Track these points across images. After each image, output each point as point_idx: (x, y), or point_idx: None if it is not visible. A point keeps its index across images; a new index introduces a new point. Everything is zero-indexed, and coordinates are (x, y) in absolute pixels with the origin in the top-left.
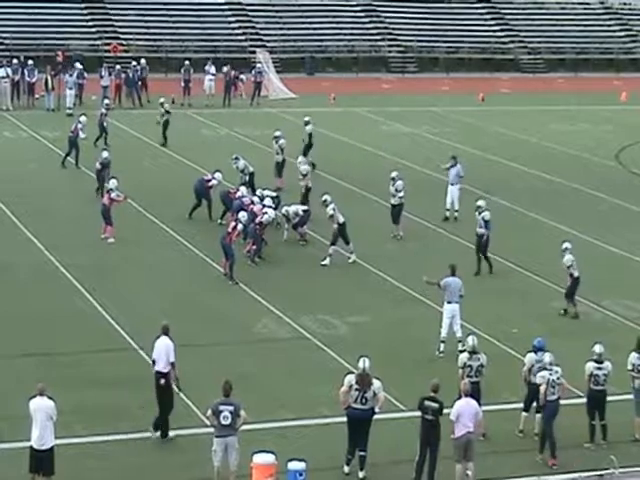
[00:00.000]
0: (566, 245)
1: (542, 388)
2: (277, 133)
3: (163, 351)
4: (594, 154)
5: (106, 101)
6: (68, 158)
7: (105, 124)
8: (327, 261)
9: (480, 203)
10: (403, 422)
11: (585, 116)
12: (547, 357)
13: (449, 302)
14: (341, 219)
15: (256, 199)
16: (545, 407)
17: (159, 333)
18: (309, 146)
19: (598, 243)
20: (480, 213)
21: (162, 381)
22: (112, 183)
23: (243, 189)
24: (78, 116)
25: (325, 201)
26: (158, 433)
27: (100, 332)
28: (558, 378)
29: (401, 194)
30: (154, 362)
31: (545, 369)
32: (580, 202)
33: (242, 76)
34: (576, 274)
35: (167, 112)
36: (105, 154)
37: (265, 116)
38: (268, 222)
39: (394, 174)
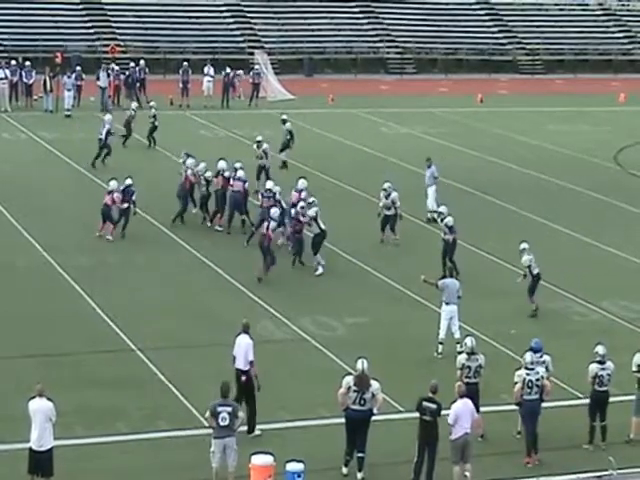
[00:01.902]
0: (524, 246)
1: (517, 387)
2: (259, 138)
3: (243, 349)
4: (592, 155)
5: (134, 104)
6: (98, 159)
7: (132, 124)
8: (320, 270)
9: (442, 209)
10: (401, 423)
11: (583, 117)
12: (528, 357)
13: (447, 303)
14: (322, 225)
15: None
16: (521, 406)
17: (239, 331)
18: (287, 144)
19: (597, 244)
20: (442, 220)
21: (243, 378)
22: (112, 184)
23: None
24: (103, 115)
25: (312, 202)
26: (258, 432)
27: (98, 333)
28: (538, 379)
29: (398, 204)
30: (234, 359)
31: (526, 368)
32: (578, 203)
33: (240, 72)
34: (536, 272)
35: (154, 117)
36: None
37: (263, 117)
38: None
39: (387, 185)
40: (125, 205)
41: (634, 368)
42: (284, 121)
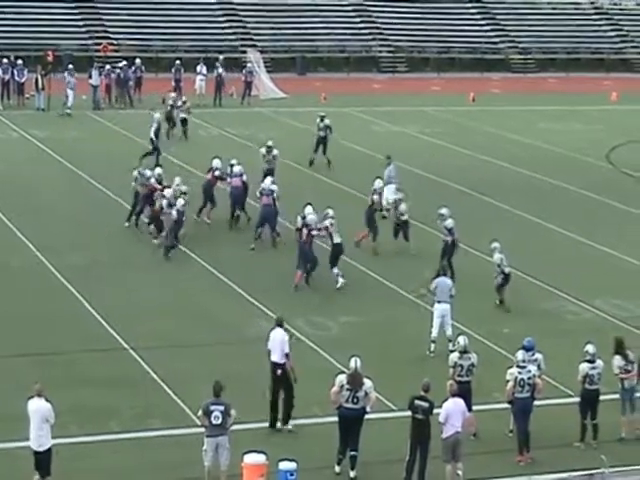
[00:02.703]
0: (495, 245)
1: (509, 385)
2: (270, 143)
3: (278, 343)
4: (585, 154)
5: (172, 94)
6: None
7: (175, 117)
8: (341, 281)
9: (443, 211)
10: (394, 422)
11: (576, 116)
12: (520, 355)
13: (439, 302)
14: (336, 239)
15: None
16: (513, 404)
17: (273, 325)
18: (323, 141)
19: (589, 242)
20: (443, 221)
21: (279, 372)
22: (215, 163)
23: None
24: (152, 114)
25: (326, 215)
26: (290, 427)
27: (92, 332)
28: (530, 378)
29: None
30: (269, 353)
31: (518, 366)
32: (571, 202)
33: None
34: (507, 270)
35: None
36: (158, 170)
37: (256, 116)
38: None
39: (399, 196)
40: (225, 186)
41: (615, 371)
42: (322, 117)
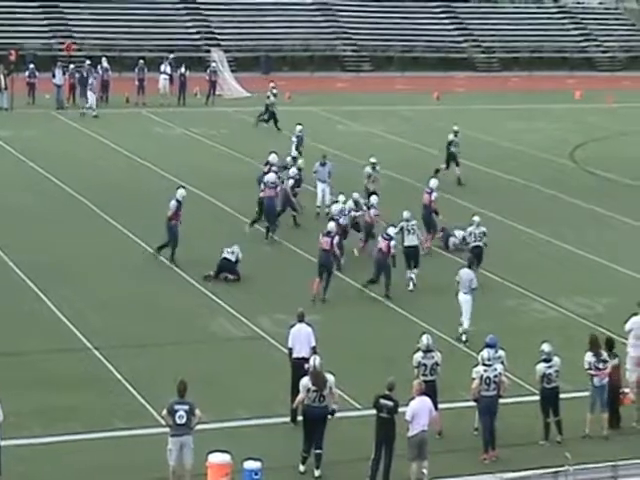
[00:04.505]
0: (473, 218)
1: (475, 383)
2: (372, 159)
3: (304, 337)
4: (549, 152)
5: (272, 84)
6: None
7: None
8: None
9: (475, 218)
10: (359, 421)
11: (540, 115)
12: (485, 353)
13: (464, 292)
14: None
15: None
16: (479, 402)
17: (294, 321)
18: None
19: (553, 241)
20: (477, 227)
21: (307, 366)
22: (271, 158)
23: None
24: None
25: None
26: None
27: (55, 332)
28: (496, 376)
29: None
30: (291, 350)
31: (484, 364)
32: (535, 200)
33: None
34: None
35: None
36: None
37: (220, 115)
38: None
39: (406, 214)
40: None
41: (586, 366)
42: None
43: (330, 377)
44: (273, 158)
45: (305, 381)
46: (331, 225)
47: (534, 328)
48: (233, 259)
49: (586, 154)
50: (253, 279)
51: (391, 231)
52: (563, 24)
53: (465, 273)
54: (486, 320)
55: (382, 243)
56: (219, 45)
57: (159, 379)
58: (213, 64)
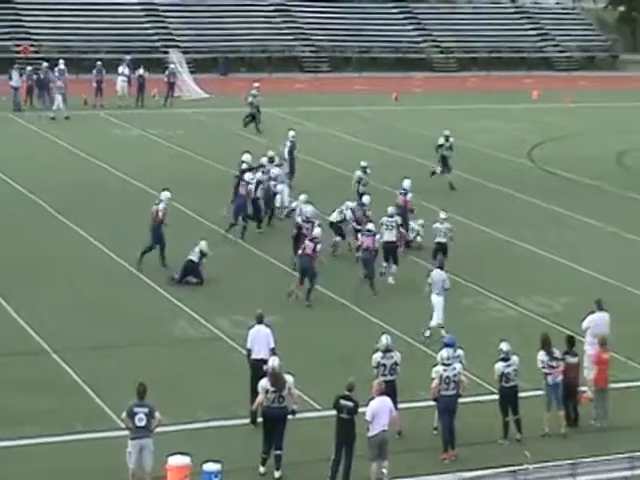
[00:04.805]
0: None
1: (434, 383)
2: (363, 163)
3: (263, 339)
4: (507, 152)
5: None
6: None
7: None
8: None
9: (442, 215)
10: (319, 422)
11: (498, 114)
12: (444, 353)
13: (433, 294)
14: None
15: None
16: (438, 401)
17: (253, 322)
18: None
19: (512, 240)
20: (442, 223)
21: (266, 367)
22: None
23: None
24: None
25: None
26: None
27: (14, 335)
28: (455, 375)
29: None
30: (249, 352)
31: (443, 364)
32: (493, 200)
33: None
34: (436, 240)
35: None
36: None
37: (178, 117)
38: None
39: (391, 210)
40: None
41: (539, 365)
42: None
43: (289, 378)
44: (247, 157)
45: (264, 382)
46: (317, 231)
47: (492, 327)
48: (196, 259)
49: (544, 154)
50: (213, 281)
51: (371, 227)
52: (521, 24)
53: (437, 274)
54: (446, 320)
55: (366, 240)
56: (177, 46)
57: (118, 382)
58: (171, 65)
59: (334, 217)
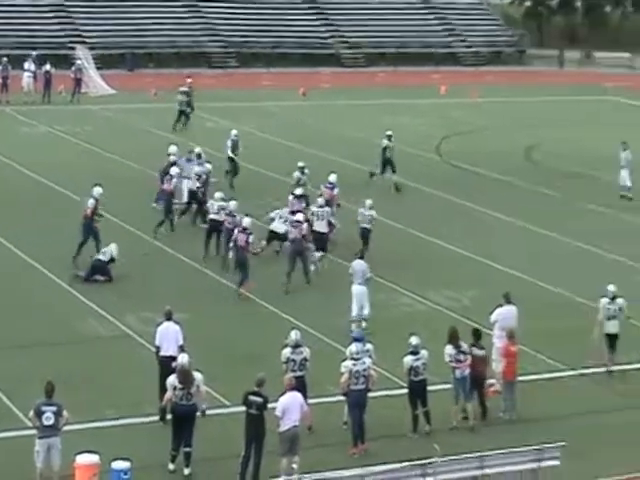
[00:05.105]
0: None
1: (344, 377)
2: (300, 164)
3: (172, 336)
4: (415, 147)
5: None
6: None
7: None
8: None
9: (367, 202)
10: (228, 418)
11: (406, 109)
12: (353, 347)
13: (355, 284)
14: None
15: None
16: (348, 396)
17: (162, 319)
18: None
19: (420, 235)
20: (367, 210)
21: (174, 364)
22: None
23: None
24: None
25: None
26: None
27: None
28: (364, 369)
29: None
30: (158, 349)
31: (353, 359)
32: (401, 195)
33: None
34: (361, 226)
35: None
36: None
37: (85, 113)
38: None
39: (321, 201)
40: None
41: (447, 359)
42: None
43: (198, 375)
44: (173, 149)
45: (172, 379)
46: (246, 220)
47: (402, 321)
48: (105, 259)
49: (452, 148)
50: (122, 279)
51: (300, 217)
52: (428, 19)
53: (358, 264)
54: (371, 309)
55: (294, 231)
56: (84, 42)
57: (27, 381)
58: (78, 61)
59: (281, 229)
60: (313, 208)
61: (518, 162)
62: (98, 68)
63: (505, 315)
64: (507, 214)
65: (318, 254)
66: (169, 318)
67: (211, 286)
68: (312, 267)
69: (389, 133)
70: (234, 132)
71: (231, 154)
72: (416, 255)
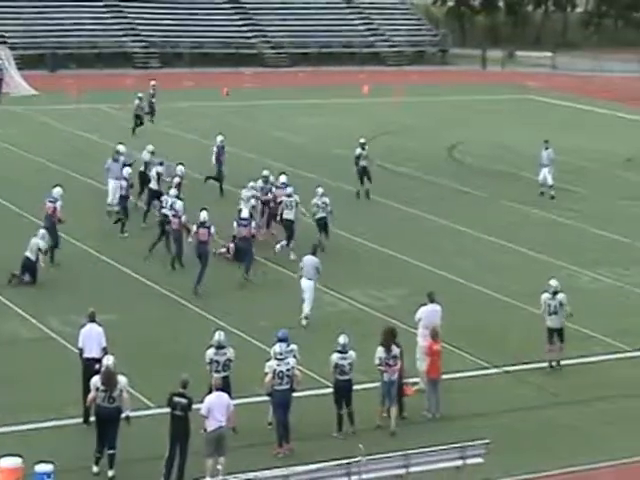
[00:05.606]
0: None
1: (268, 377)
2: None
3: (94, 338)
4: (339, 147)
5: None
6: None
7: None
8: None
9: (319, 190)
10: (152, 419)
11: (329, 109)
12: (277, 347)
13: (304, 278)
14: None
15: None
16: (272, 396)
17: (85, 321)
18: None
19: (343, 234)
20: (319, 198)
21: (97, 366)
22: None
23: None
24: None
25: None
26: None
27: None
28: (288, 369)
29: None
30: (82, 350)
31: (277, 359)
32: (327, 195)
33: None
34: (318, 216)
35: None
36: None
37: (7, 114)
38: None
39: (289, 190)
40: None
41: (376, 361)
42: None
43: (122, 379)
44: (121, 148)
45: (95, 380)
46: (204, 214)
47: (326, 321)
48: (34, 258)
49: (374, 148)
50: (46, 281)
51: (245, 214)
52: (351, 20)
53: (309, 259)
54: (280, 315)
55: (244, 230)
56: (5, 42)
57: None
58: None
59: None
60: (283, 198)
61: (441, 161)
62: (19, 68)
63: (429, 314)
64: (430, 212)
65: (282, 243)
66: (92, 320)
67: (138, 288)
68: (292, 256)
69: (362, 141)
70: (220, 138)
71: (215, 161)
72: (341, 254)
